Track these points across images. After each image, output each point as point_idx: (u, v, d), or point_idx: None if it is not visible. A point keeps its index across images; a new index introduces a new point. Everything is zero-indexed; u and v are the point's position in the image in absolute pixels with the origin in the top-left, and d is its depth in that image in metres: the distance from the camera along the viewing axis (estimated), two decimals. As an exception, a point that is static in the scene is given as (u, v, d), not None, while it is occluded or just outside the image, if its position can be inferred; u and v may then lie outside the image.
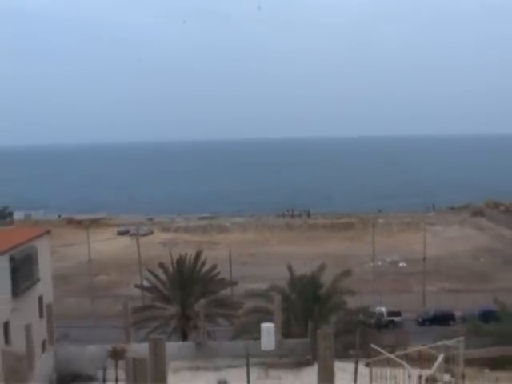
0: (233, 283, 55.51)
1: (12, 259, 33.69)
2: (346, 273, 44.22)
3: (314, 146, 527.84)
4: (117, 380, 19.56)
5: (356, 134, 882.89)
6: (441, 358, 17.14)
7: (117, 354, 20.25)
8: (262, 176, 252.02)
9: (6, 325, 32.42)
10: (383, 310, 63.71)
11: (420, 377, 15.87)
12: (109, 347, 22.00)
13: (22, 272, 34.55)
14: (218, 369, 25.02)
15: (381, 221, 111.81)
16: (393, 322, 63.09)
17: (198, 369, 25.65)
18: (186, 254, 49.69)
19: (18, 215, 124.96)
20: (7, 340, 32.11)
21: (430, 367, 16.83)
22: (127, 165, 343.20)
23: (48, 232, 42.18)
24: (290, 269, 44.35)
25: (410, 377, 16.34)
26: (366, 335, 34.62)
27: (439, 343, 19.56)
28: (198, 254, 49.24)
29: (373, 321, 55.70)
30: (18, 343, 28.99)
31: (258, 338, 25.43)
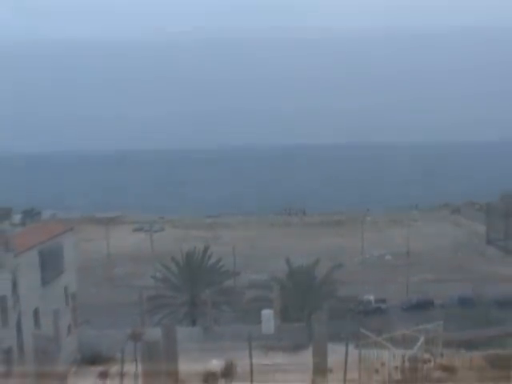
0: (236, 274, 55.59)
1: (41, 253, 33.83)
2: (338, 265, 44.53)
3: (309, 152, 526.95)
4: (136, 360, 19.66)
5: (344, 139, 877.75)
6: (421, 339, 17.22)
7: (136, 337, 20.38)
8: (261, 178, 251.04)
9: (36, 311, 32.54)
10: (371, 298, 63.88)
11: (403, 356, 15.98)
12: (128, 330, 22.11)
13: (50, 264, 34.65)
14: (223, 351, 25.09)
15: (369, 218, 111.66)
16: (379, 308, 63.28)
17: (205, 350, 25.69)
18: (195, 248, 49.91)
19: (45, 214, 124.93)
20: (38, 324, 32.21)
21: (412, 348, 16.90)
22: (129, 171, 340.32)
23: (71, 229, 42.21)
24: (287, 262, 44.67)
25: (394, 357, 16.43)
26: (355, 320, 34.61)
27: (420, 327, 19.64)
28: (206, 249, 49.47)
29: (361, 307, 55.83)
30: (47, 327, 29.09)
31: (259, 323, 25.48)
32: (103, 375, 23.25)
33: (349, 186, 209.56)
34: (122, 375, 21.03)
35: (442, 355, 18.74)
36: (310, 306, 37.47)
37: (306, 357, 20.25)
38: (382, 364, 17.24)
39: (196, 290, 46.67)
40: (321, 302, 39.72)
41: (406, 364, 15.70)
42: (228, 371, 20.82)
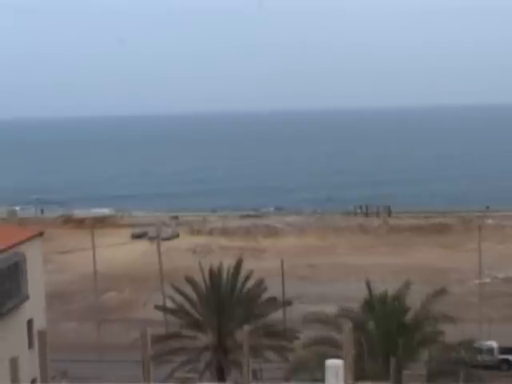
0: (287, 304, 56.03)
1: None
2: (441, 292, 43.22)
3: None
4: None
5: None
6: None
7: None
8: (321, 159, 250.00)
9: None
10: (494, 345, 62.17)
11: None
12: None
13: (5, 287, 34.57)
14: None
15: (490, 221, 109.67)
16: (507, 361, 61.65)
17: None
18: (223, 265, 49.96)
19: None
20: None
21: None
22: (139, 144, 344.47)
23: (40, 234, 42.31)
24: (367, 286, 43.44)
25: None
26: (470, 379, 33.73)
27: None
28: (239, 265, 49.66)
29: (479, 359, 54.04)
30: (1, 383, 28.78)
31: (322, 380, 24.92)
32: None
33: (458, 168, 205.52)
34: None
35: None
36: (400, 354, 36.26)
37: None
38: None
39: (226, 328, 46.43)
40: (416, 349, 39.07)
41: None
42: None
